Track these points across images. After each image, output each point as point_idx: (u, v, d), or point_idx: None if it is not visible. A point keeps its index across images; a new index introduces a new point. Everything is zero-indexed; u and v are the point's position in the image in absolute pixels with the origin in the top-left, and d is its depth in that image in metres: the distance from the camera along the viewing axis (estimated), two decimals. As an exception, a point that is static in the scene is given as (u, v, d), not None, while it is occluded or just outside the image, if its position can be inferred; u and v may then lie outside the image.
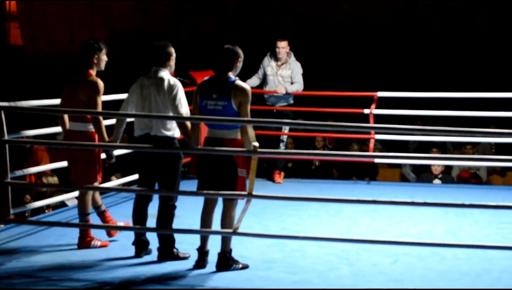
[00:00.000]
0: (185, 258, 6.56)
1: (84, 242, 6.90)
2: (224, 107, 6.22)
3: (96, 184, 6.92)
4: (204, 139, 6.42)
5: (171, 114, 6.51)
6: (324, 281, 6.07)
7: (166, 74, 6.64)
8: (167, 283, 5.99)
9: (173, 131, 6.59)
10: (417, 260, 6.67)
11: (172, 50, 6.73)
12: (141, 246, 6.68)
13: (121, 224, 7.20)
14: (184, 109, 6.55)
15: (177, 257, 6.55)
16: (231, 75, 6.34)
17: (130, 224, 6.93)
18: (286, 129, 10.64)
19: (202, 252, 6.36)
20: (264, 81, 10.60)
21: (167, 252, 6.55)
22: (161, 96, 6.54)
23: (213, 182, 6.30)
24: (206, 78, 6.43)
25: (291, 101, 10.60)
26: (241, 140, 6.26)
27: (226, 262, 6.29)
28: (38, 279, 5.99)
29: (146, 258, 6.59)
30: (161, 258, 6.54)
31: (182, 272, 6.24)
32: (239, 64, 6.41)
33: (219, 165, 6.28)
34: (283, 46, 10.45)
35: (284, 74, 10.48)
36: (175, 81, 6.60)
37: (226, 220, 6.32)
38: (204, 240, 6.38)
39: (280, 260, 6.62)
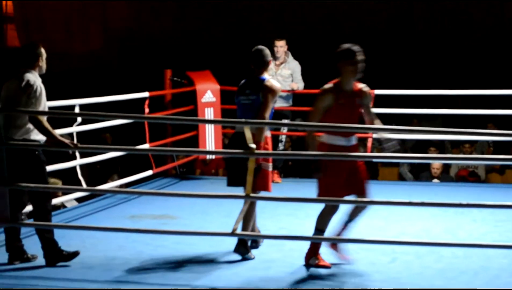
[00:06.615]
0: (75, 255, 6.35)
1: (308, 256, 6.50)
2: (253, 101, 6.69)
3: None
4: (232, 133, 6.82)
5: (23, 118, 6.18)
6: (323, 280, 6.09)
7: (27, 75, 6.24)
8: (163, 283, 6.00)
9: (15, 132, 6.21)
10: (414, 258, 6.67)
11: (41, 50, 6.35)
12: (15, 253, 6.41)
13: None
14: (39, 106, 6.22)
15: (66, 257, 6.34)
16: (265, 74, 6.78)
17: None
18: (284, 129, 10.59)
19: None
20: None
21: (53, 254, 6.33)
22: (12, 99, 6.21)
23: (241, 176, 6.32)
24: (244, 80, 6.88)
25: (291, 102, 10.57)
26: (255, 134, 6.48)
27: (244, 247, 6.57)
28: (34, 279, 6.00)
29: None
30: (50, 263, 6.33)
31: (180, 272, 6.23)
32: (270, 62, 6.88)
33: (243, 159, 6.31)
34: (281, 45, 10.39)
35: (284, 74, 10.42)
36: (29, 82, 6.20)
37: (246, 218, 6.59)
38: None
39: (279, 259, 6.62)
